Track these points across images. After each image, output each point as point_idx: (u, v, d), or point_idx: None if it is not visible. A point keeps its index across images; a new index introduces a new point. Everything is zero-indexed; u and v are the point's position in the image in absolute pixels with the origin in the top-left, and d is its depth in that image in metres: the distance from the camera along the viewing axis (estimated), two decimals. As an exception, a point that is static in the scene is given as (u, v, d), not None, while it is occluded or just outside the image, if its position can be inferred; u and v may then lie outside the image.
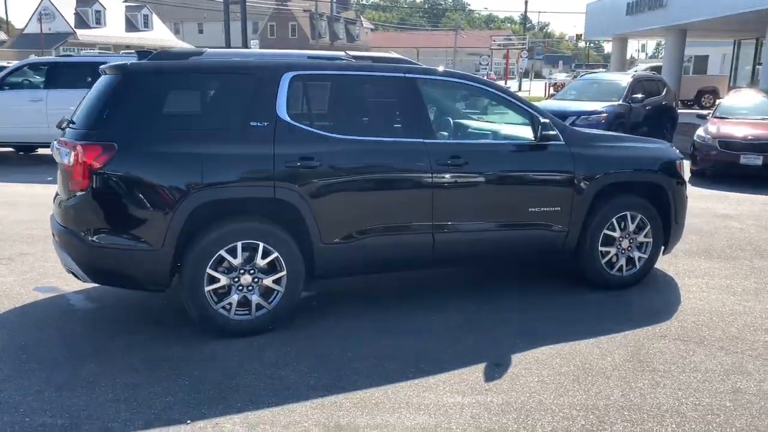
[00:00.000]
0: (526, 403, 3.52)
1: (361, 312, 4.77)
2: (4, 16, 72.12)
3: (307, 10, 62.65)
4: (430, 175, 4.59)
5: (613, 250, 5.26)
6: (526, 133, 5.01)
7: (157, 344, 4.19)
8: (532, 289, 5.31)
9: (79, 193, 4.03)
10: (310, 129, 4.37)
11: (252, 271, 4.25)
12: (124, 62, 4.22)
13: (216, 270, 4.17)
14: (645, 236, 5.35)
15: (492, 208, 4.84)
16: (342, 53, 4.82)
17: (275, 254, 4.26)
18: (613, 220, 5.20)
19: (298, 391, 3.63)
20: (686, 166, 7.68)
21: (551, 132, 4.84)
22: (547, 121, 4.88)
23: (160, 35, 52.57)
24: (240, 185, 4.18)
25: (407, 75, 4.69)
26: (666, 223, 5.44)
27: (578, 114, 13.21)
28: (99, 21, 49.90)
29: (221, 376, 3.78)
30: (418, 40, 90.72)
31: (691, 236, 7.06)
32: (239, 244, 4.18)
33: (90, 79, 7.82)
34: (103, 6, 50.26)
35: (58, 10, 47.71)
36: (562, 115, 13.21)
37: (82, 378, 3.74)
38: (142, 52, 4.50)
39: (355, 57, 4.77)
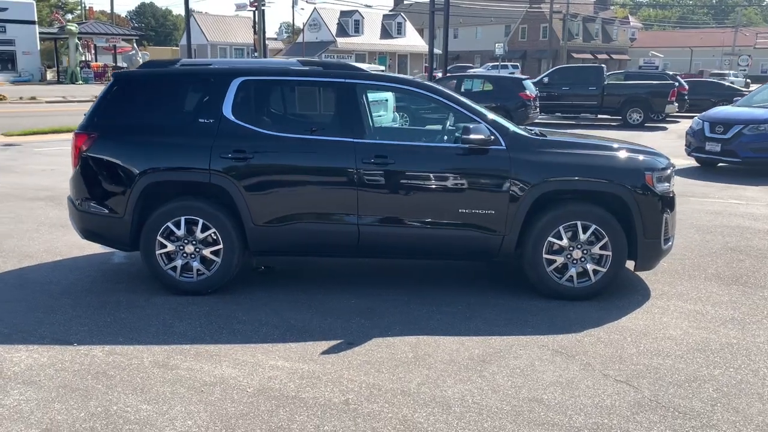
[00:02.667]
0: (326, 374, 3.93)
1: (298, 288, 5.42)
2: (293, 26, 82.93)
3: (557, 11, 61.50)
4: (355, 171, 5.06)
5: (560, 259, 5.15)
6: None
7: (123, 292, 5.33)
8: (480, 290, 5.43)
9: (74, 170, 5.34)
10: (248, 126, 5.15)
11: (194, 242, 5.18)
12: (119, 69, 5.43)
13: (165, 238, 5.17)
14: (602, 249, 5.12)
15: (418, 206, 5.12)
16: (294, 59, 5.50)
17: (212, 230, 5.14)
18: (560, 228, 5.09)
19: (171, 338, 4.47)
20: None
21: (475, 136, 4.94)
22: (476, 125, 5.00)
23: (411, 41, 56.08)
24: (181, 171, 5.14)
25: (346, 80, 5.20)
26: (632, 238, 5.13)
27: (746, 122, 11.75)
28: (357, 30, 55.01)
29: (135, 319, 4.78)
30: (693, 39, 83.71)
31: (742, 257, 6.32)
32: (182, 219, 5.14)
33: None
34: (362, 15, 55.30)
35: (323, 21, 53.74)
36: (728, 123, 11.97)
37: (53, 307, 5.01)
38: (150, 62, 5.68)
39: (305, 63, 5.41)
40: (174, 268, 5.21)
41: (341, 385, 3.81)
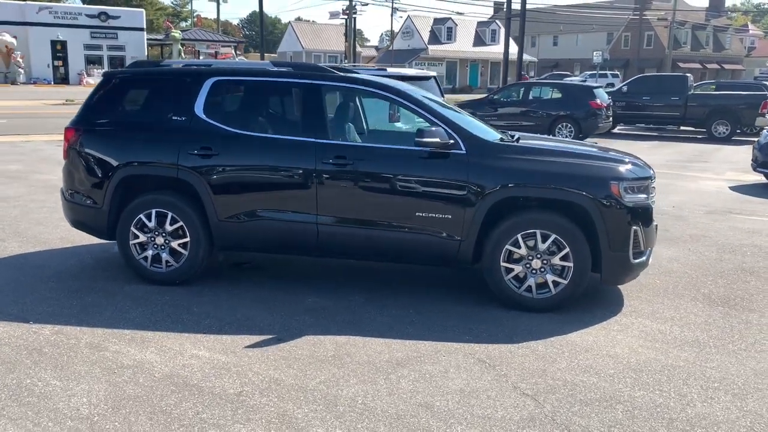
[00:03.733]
0: (237, 366, 4.02)
1: (267, 285, 5.54)
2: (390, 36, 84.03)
3: (662, 18, 58.76)
4: (314, 171, 5.13)
5: (518, 268, 4.98)
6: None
7: (104, 279, 5.65)
8: (444, 296, 5.34)
9: (64, 163, 5.73)
10: (216, 124, 5.33)
11: (163, 234, 5.42)
12: (108, 69, 5.79)
13: (138, 229, 5.44)
14: (563, 259, 4.92)
15: (375, 207, 5.11)
16: (269, 62, 5.64)
17: (180, 223, 5.36)
18: (518, 236, 4.93)
19: (119, 323, 4.70)
20: None
21: (429, 139, 4.88)
22: (434, 128, 4.93)
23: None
24: (151, 165, 5.40)
25: (312, 82, 5.29)
26: (596, 250, 4.90)
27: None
28: (450, 37, 54.97)
29: (98, 303, 5.06)
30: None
31: (750, 278, 5.86)
32: (153, 212, 5.39)
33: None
34: (455, 23, 55.23)
35: (416, 29, 54.11)
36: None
37: (35, 289, 5.38)
38: (137, 62, 6.02)
39: (277, 64, 5.54)
40: (145, 258, 5.47)
41: (244, 378, 3.88)
